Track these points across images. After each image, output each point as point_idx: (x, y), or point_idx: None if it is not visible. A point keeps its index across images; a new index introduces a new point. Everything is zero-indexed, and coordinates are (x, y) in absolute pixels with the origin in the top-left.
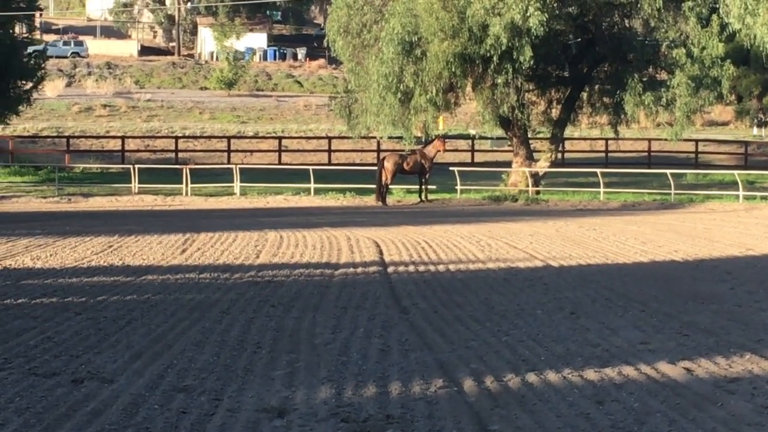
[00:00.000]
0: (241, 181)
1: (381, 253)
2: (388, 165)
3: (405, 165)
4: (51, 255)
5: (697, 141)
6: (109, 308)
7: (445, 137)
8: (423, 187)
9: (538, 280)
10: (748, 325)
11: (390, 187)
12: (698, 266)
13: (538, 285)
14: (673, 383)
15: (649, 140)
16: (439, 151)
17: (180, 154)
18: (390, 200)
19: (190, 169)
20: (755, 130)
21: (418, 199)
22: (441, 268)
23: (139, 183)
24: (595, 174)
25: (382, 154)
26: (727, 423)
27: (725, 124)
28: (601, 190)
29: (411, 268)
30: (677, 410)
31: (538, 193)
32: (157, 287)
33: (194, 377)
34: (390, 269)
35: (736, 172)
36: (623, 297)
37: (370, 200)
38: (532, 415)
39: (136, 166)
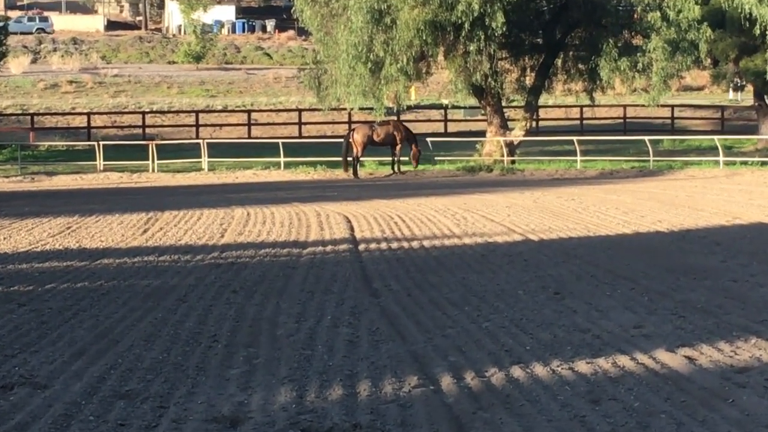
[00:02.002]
0: (210, 156)
1: (352, 229)
2: (357, 137)
3: (375, 136)
4: (5, 238)
5: (673, 106)
6: (56, 298)
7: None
8: (395, 159)
9: (517, 256)
10: (747, 303)
11: (361, 159)
12: (685, 237)
13: (518, 261)
14: (675, 376)
15: (624, 107)
16: None
17: (147, 130)
18: (362, 173)
19: (158, 145)
20: (731, 94)
21: (391, 171)
22: (415, 244)
23: (105, 160)
24: (570, 142)
25: (353, 126)
26: (742, 425)
27: (700, 88)
28: (578, 158)
29: (383, 245)
30: (684, 410)
31: (513, 162)
32: (111, 272)
33: (139, 379)
34: (361, 247)
35: (715, 137)
36: (609, 273)
37: (342, 173)
38: (519, 419)
39: (102, 142)
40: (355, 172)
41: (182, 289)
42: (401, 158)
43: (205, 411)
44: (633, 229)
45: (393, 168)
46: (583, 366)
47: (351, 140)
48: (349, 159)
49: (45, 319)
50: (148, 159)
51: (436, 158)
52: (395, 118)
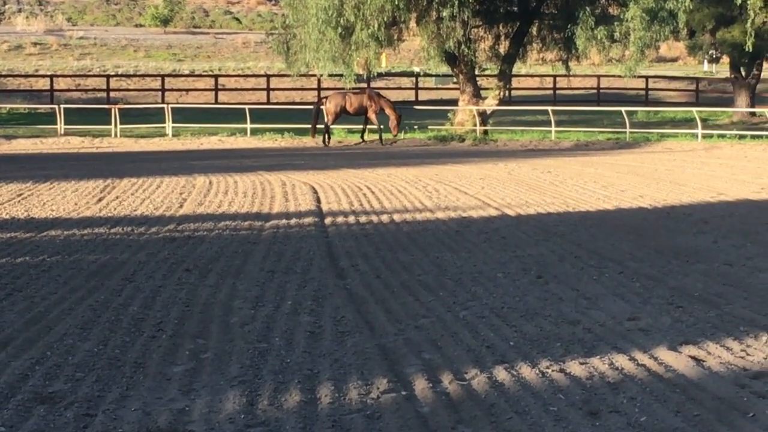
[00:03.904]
0: (176, 122)
1: (318, 200)
2: (330, 106)
3: (348, 105)
4: None
5: (647, 77)
6: None
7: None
8: (365, 127)
9: (494, 233)
10: (749, 291)
11: (331, 127)
12: (670, 214)
13: (495, 239)
14: (683, 382)
15: (599, 77)
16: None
17: (112, 94)
18: (331, 141)
19: (122, 110)
20: (706, 66)
21: (360, 140)
22: (384, 218)
23: (68, 124)
24: (543, 112)
25: (326, 93)
26: None
27: (674, 60)
28: (552, 129)
29: (351, 218)
30: (699, 427)
31: (486, 132)
32: (57, 246)
33: (67, 378)
34: (327, 220)
35: (694, 109)
36: (594, 254)
37: (310, 141)
38: None
39: (63, 106)
40: (325, 141)
41: (131, 266)
42: (381, 127)
43: (138, 421)
44: (614, 204)
45: (362, 137)
46: (576, 367)
47: (323, 108)
48: (320, 126)
49: None
50: (111, 123)
51: (415, 126)
52: (368, 86)
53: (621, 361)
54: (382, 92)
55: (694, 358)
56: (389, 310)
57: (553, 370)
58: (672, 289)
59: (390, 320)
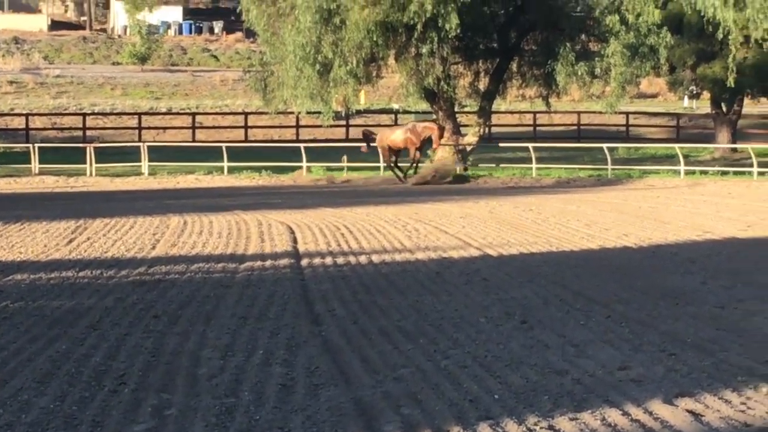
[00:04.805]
0: (153, 160)
1: (295, 241)
2: (413, 137)
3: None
4: None
5: (627, 114)
6: None
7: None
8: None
9: (475, 274)
10: (744, 336)
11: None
12: (655, 253)
13: (477, 280)
14: None
15: (579, 113)
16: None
17: (89, 132)
18: (307, 179)
19: (99, 148)
20: (686, 102)
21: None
22: (362, 259)
23: (43, 163)
24: (523, 149)
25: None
26: None
27: (654, 96)
28: (533, 166)
29: (328, 259)
30: None
31: (466, 169)
32: (22, 291)
33: None
34: (304, 261)
35: (676, 145)
36: (580, 296)
37: (287, 179)
38: None
39: (38, 145)
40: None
41: (97, 312)
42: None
43: None
44: (598, 243)
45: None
46: (565, 424)
47: (408, 143)
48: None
49: None
50: (86, 162)
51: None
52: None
53: (614, 416)
54: (360, 130)
55: (691, 412)
56: (366, 359)
57: (541, 428)
58: (663, 335)
59: (367, 371)
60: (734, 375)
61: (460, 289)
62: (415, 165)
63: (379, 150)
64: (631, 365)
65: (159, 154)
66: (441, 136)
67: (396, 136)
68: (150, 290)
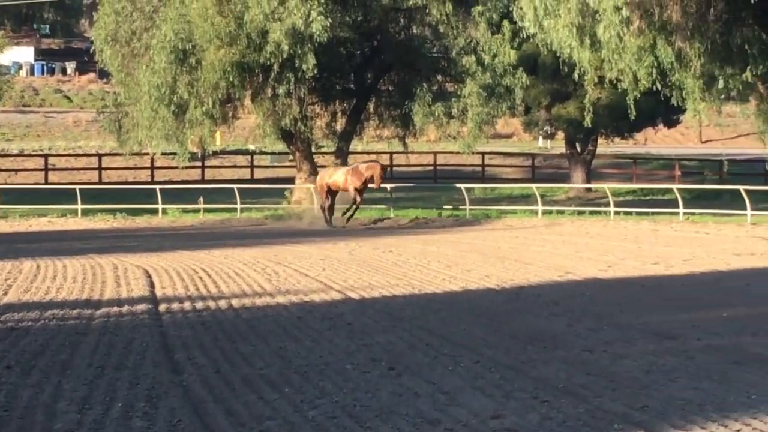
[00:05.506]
0: (4, 203)
1: (152, 285)
2: (355, 180)
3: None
4: None
5: (483, 154)
6: None
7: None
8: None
9: (338, 318)
10: (615, 381)
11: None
12: (519, 295)
13: (341, 325)
14: None
15: (435, 153)
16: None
17: None
18: (164, 221)
19: None
20: (540, 142)
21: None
22: (222, 304)
23: None
24: (380, 189)
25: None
26: None
27: (509, 136)
28: (392, 206)
29: (187, 304)
30: None
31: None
32: None
33: None
34: (162, 307)
35: (533, 185)
36: (446, 341)
37: (143, 221)
38: None
39: None
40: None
41: None
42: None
43: None
44: (461, 285)
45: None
46: None
47: (348, 185)
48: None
49: None
50: None
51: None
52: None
53: None
54: (216, 171)
55: None
56: (230, 411)
57: None
58: (534, 380)
59: (232, 423)
60: (610, 422)
61: (324, 335)
62: (355, 207)
63: (317, 189)
64: (504, 413)
65: (11, 196)
66: (382, 176)
67: (337, 177)
68: (2, 339)
